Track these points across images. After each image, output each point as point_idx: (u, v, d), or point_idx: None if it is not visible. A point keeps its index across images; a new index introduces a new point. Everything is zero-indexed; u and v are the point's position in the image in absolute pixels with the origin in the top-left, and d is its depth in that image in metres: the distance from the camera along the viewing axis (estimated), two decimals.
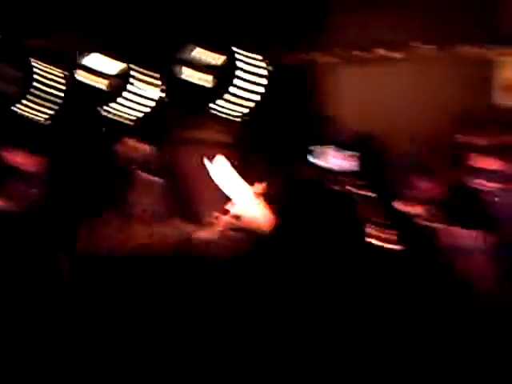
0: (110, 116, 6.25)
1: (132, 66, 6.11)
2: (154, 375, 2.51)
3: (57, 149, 6.56)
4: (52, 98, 6.30)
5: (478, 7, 5.82)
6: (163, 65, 5.85)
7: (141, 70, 6.17)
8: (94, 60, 6.26)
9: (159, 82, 6.02)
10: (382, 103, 7.44)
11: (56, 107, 6.22)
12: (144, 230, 5.35)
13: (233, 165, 6.54)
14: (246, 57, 5.61)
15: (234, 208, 5.03)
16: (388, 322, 1.74)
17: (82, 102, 6.23)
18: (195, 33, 5.83)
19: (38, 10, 6.36)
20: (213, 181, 5.31)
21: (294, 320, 1.71)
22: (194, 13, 5.95)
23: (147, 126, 6.68)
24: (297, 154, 4.80)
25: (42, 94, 6.42)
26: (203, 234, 4.84)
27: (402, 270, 1.92)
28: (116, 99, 6.07)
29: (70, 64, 6.25)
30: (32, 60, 6.42)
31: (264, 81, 5.57)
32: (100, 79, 6.24)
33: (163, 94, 6.00)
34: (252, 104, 5.56)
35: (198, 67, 5.71)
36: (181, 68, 5.74)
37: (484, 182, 5.70)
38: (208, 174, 6.22)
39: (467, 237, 5.88)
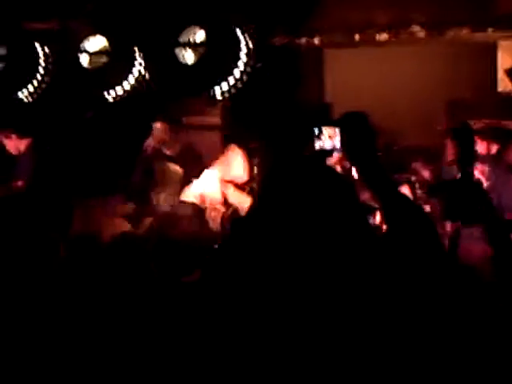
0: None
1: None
2: (150, 360, 2.45)
3: (50, 129, 6.53)
4: (41, 78, 6.22)
5: None
6: (155, 47, 5.78)
7: None
8: (94, 42, 6.19)
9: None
10: (378, 86, 7.42)
11: (44, 86, 6.16)
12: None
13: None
14: (238, 36, 5.54)
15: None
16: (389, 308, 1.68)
17: (83, 86, 6.16)
18: (188, 14, 5.76)
19: None
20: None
21: (288, 305, 1.64)
22: None
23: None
24: (287, 136, 4.76)
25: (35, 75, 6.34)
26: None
27: (396, 253, 1.85)
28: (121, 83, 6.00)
29: (70, 46, 6.17)
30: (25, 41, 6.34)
31: (255, 63, 5.51)
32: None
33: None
34: (242, 86, 5.50)
35: (189, 49, 5.64)
36: (173, 49, 5.68)
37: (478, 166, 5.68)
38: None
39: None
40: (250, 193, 5.63)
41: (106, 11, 5.93)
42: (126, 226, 4.66)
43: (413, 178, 6.09)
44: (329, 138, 2.00)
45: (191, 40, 5.68)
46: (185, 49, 5.68)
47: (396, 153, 6.64)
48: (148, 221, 5.40)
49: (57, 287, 3.67)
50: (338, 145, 1.98)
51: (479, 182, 5.33)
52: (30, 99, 6.13)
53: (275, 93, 6.02)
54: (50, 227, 4.45)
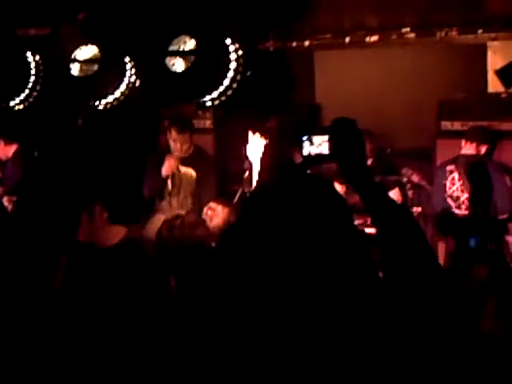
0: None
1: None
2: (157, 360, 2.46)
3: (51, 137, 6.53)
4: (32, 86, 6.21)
5: None
6: (146, 55, 5.78)
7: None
8: (85, 51, 6.17)
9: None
10: (369, 88, 7.43)
11: (35, 95, 6.15)
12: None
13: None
14: (228, 44, 5.55)
15: None
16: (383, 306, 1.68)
17: (73, 94, 6.15)
18: (178, 23, 5.77)
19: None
20: None
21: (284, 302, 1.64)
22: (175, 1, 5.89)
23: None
24: (277, 140, 4.76)
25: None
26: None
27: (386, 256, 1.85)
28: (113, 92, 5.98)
29: (60, 54, 6.16)
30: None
31: (245, 68, 5.52)
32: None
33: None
34: (232, 91, 5.51)
35: (180, 57, 5.65)
36: (163, 57, 5.69)
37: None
38: None
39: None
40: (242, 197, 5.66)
41: (97, 20, 5.93)
42: (124, 231, 4.64)
43: (404, 180, 6.12)
44: (317, 145, 2.00)
45: (181, 49, 5.69)
46: (175, 57, 5.68)
47: (388, 155, 6.67)
48: (159, 221, 5.38)
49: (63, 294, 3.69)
50: (326, 152, 1.98)
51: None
52: (21, 107, 6.11)
53: (266, 96, 6.03)
54: (52, 236, 4.46)
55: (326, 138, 1.99)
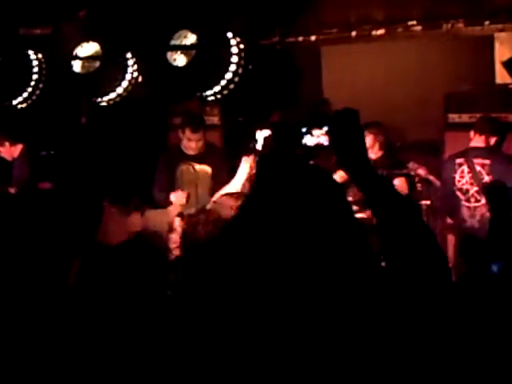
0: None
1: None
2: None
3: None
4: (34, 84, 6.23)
5: None
6: (147, 50, 5.78)
7: None
8: (86, 48, 6.18)
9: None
10: (376, 82, 7.42)
11: (38, 93, 6.16)
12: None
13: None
14: (229, 38, 5.55)
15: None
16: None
17: (76, 91, 6.16)
18: (179, 18, 5.77)
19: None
20: None
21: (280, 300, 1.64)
22: None
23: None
24: (281, 133, 4.75)
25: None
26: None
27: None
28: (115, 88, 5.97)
29: (62, 52, 6.17)
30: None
31: (247, 62, 5.52)
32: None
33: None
34: (234, 85, 5.51)
35: (181, 52, 5.65)
36: (164, 53, 5.69)
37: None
38: None
39: None
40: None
41: (98, 16, 5.94)
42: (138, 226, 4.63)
43: (412, 173, 6.11)
44: (317, 137, 1.99)
45: (182, 43, 5.68)
46: (176, 52, 5.68)
47: (397, 149, 6.66)
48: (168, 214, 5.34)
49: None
50: (325, 143, 1.97)
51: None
52: (24, 106, 6.13)
53: (274, 92, 6.03)
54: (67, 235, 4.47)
55: (325, 129, 1.98)
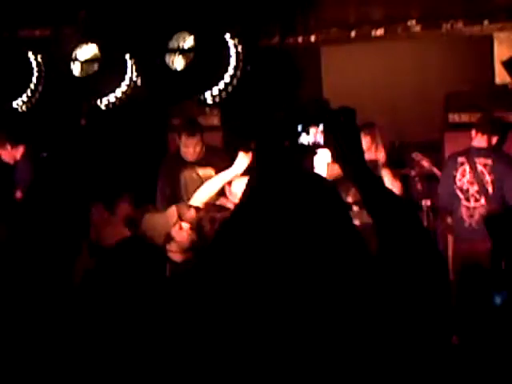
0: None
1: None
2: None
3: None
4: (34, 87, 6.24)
5: None
6: (145, 52, 5.79)
7: None
8: (85, 50, 6.18)
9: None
10: (376, 81, 7.43)
11: (37, 95, 6.17)
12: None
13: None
14: (228, 44, 5.56)
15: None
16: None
17: (75, 94, 6.16)
18: (177, 20, 5.78)
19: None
20: None
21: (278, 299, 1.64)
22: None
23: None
24: (280, 134, 4.75)
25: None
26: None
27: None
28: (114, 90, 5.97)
29: (61, 54, 6.18)
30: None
31: (245, 63, 5.53)
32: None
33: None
34: (233, 87, 5.51)
35: (179, 54, 5.66)
36: (164, 55, 5.69)
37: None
38: None
39: None
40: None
41: (97, 18, 5.94)
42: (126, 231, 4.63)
43: (412, 173, 6.11)
44: (313, 135, 1.99)
45: (180, 46, 5.68)
46: (174, 54, 5.67)
47: (398, 148, 6.66)
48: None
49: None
50: (321, 141, 1.96)
51: None
52: (24, 108, 6.13)
53: (273, 92, 6.04)
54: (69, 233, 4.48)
55: (321, 126, 1.97)
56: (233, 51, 5.49)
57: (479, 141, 5.74)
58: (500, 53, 6.09)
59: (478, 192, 5.64)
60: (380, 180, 1.90)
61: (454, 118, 6.23)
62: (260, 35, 6.07)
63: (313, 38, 6.08)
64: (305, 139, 1.96)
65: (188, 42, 5.70)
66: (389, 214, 1.80)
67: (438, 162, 6.22)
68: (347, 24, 5.99)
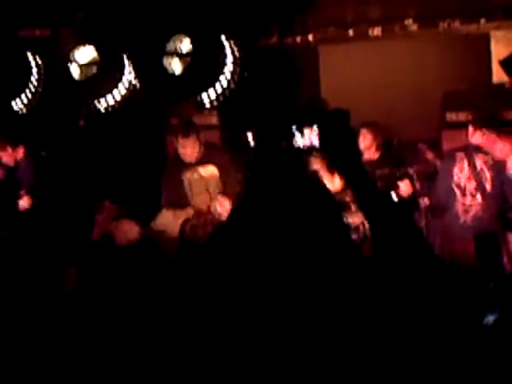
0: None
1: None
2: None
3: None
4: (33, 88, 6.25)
5: None
6: (143, 55, 5.80)
7: None
8: (84, 53, 6.19)
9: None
10: (374, 81, 7.43)
11: (37, 97, 6.19)
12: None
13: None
14: (227, 42, 5.57)
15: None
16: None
17: (74, 95, 6.18)
18: (174, 23, 5.79)
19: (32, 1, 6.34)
20: None
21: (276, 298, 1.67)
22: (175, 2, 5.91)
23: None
24: (277, 134, 4.77)
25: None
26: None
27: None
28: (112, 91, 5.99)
29: (60, 56, 6.20)
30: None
31: (243, 65, 5.54)
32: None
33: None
34: (230, 91, 5.53)
35: (176, 57, 5.67)
36: (162, 58, 5.70)
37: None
38: None
39: None
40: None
41: (95, 21, 5.96)
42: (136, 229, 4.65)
43: (411, 172, 6.11)
44: (308, 136, 2.00)
45: (178, 49, 5.69)
46: (172, 58, 5.68)
47: (395, 147, 6.66)
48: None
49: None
50: (316, 143, 1.98)
51: None
52: (24, 110, 6.14)
53: (272, 92, 6.05)
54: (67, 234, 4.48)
55: (315, 127, 1.99)
56: (229, 53, 5.49)
57: (477, 139, 5.75)
58: (497, 51, 6.11)
59: (475, 188, 5.65)
60: (373, 181, 1.92)
61: (451, 116, 6.24)
62: (258, 35, 6.09)
63: (311, 38, 6.10)
64: (300, 140, 1.98)
65: (185, 44, 5.70)
66: (382, 214, 1.82)
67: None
68: (345, 23, 6.01)
